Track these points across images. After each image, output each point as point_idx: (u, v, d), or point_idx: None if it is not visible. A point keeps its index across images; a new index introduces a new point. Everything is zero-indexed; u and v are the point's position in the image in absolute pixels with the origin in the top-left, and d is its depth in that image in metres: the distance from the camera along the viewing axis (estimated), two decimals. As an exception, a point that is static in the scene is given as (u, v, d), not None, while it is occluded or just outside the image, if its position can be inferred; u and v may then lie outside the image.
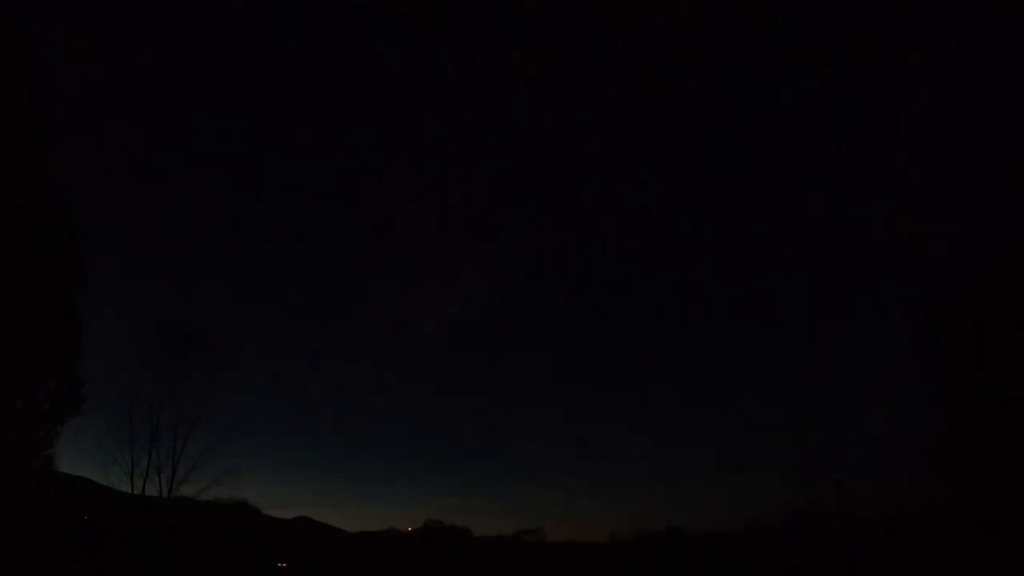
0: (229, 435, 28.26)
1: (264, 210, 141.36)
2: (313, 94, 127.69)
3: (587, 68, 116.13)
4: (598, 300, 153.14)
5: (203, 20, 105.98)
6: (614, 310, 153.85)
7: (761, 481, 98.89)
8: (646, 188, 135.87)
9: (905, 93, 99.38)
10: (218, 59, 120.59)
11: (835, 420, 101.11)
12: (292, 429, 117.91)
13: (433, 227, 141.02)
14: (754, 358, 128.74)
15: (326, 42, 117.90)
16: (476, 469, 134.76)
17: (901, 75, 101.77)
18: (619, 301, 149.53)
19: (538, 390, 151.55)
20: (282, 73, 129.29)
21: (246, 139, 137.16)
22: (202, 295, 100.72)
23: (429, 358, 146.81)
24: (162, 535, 28.24)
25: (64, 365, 18.05)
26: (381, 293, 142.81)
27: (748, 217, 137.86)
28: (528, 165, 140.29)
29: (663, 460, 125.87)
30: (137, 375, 27.23)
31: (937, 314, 21.98)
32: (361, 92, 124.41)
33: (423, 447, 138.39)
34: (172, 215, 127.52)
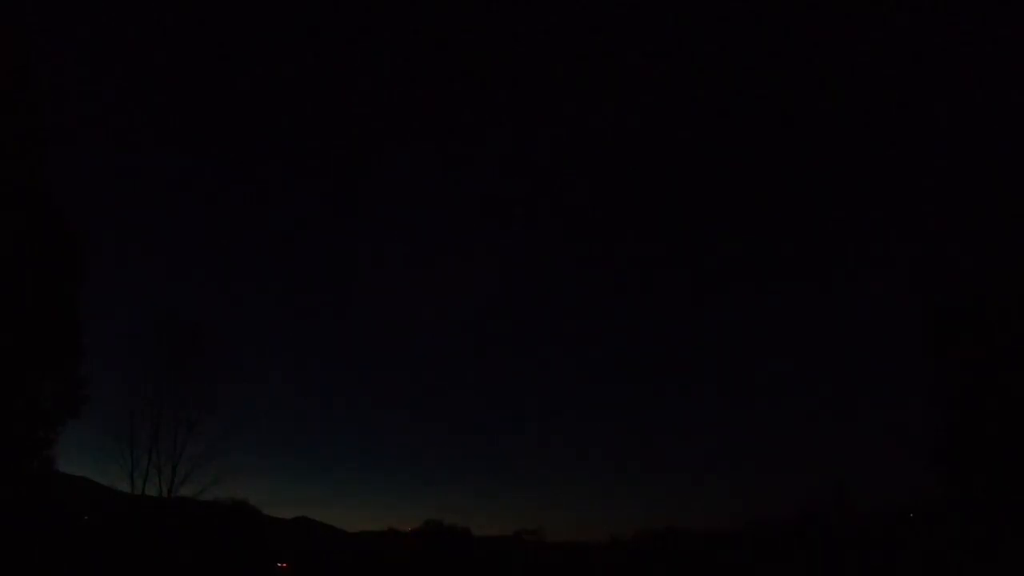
0: (229, 435, 28.25)
1: (265, 210, 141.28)
2: (314, 93, 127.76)
3: (595, 63, 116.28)
4: (598, 300, 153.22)
5: (203, 18, 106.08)
6: (615, 310, 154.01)
7: (761, 481, 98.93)
8: (659, 180, 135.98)
9: (906, 93, 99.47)
10: (218, 57, 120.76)
11: (836, 420, 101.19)
12: (292, 429, 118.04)
13: (434, 226, 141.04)
14: (753, 358, 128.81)
15: (325, 43, 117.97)
16: (476, 469, 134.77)
17: (901, 75, 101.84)
18: (620, 302, 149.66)
19: (537, 391, 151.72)
20: (282, 73, 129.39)
21: (246, 139, 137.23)
22: (202, 295, 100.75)
23: (429, 358, 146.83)
24: (162, 535, 28.19)
25: (64, 365, 18.03)
26: (382, 293, 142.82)
27: (745, 214, 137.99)
28: (524, 166, 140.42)
29: (663, 460, 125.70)
30: (137, 375, 27.25)
31: (939, 315, 21.99)
32: (361, 91, 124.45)
33: (423, 447, 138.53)
34: (172, 214, 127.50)
